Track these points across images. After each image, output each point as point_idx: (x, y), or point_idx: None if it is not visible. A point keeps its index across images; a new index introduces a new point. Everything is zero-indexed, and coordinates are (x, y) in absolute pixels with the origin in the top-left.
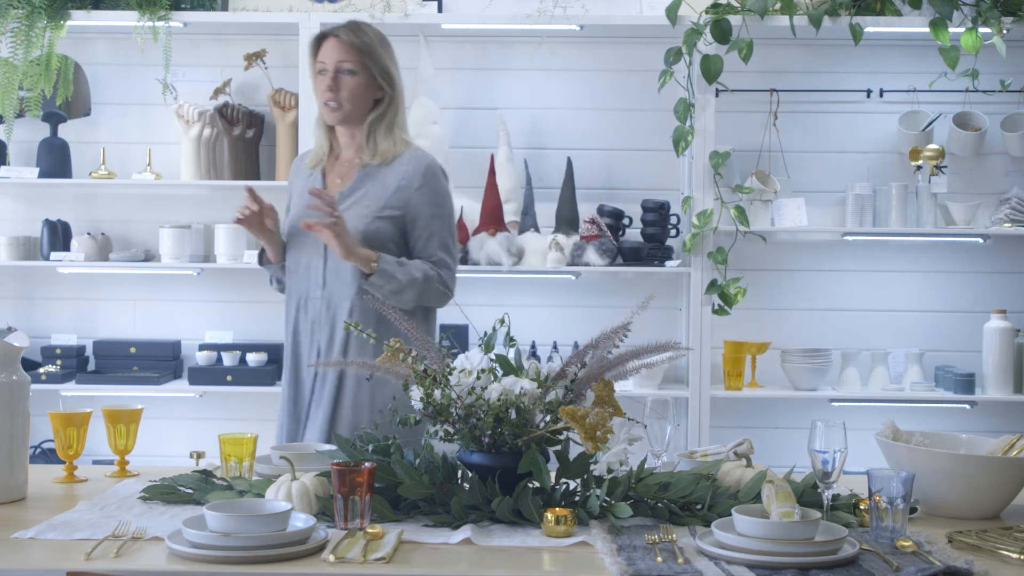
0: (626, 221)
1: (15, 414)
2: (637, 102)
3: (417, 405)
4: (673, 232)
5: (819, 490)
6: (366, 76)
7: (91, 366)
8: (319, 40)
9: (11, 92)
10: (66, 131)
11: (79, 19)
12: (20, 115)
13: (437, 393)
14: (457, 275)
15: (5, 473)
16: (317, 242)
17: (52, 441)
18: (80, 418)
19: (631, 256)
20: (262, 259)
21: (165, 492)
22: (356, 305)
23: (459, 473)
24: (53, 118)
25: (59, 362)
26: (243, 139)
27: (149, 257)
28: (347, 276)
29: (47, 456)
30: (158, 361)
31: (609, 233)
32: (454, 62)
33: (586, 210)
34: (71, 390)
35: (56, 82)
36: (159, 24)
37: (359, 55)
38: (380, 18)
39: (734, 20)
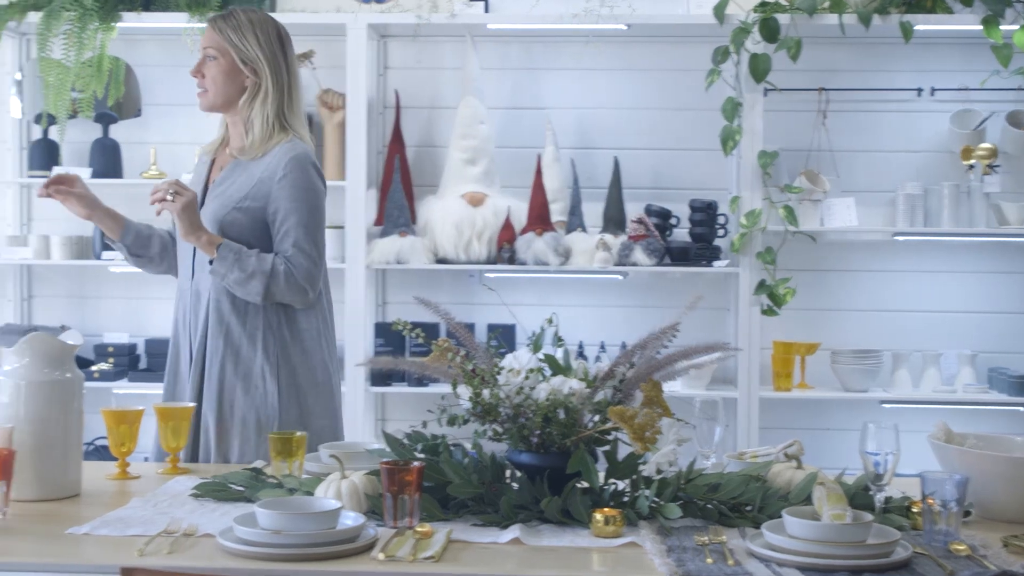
0: (673, 221)
1: (69, 412)
2: (684, 101)
3: (466, 404)
4: (721, 232)
5: (871, 492)
6: (227, 61)
7: (142, 364)
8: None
9: (64, 93)
10: (117, 132)
11: (130, 21)
12: (72, 116)
13: (486, 392)
14: (316, 271)
15: (59, 470)
16: None
17: (105, 438)
18: (132, 416)
19: (679, 256)
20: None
21: (216, 489)
22: (212, 296)
23: (507, 473)
24: (105, 119)
25: (111, 360)
26: None
27: None
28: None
29: (100, 453)
30: None
31: (656, 233)
32: (500, 62)
33: (633, 210)
34: (123, 388)
35: (107, 83)
36: (205, 25)
37: (221, 41)
38: (426, 18)
39: (782, 18)
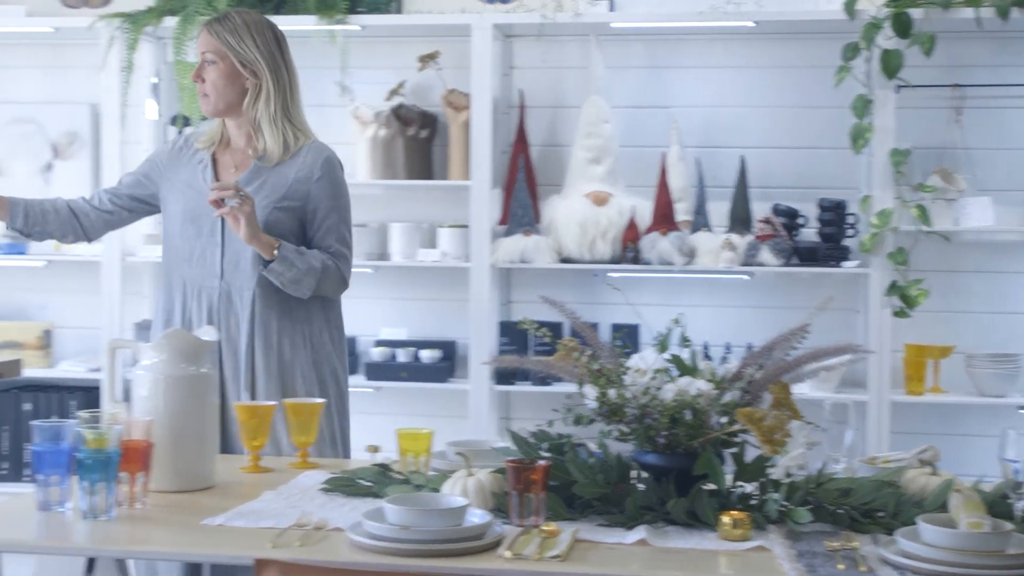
0: (801, 220)
1: (204, 406)
2: (813, 99)
3: (591, 404)
4: (850, 232)
5: (1010, 501)
6: (227, 65)
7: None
8: (200, 33)
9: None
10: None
11: None
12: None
13: (612, 392)
14: (348, 267)
15: (195, 462)
16: (213, 232)
17: None
18: (264, 411)
19: (807, 256)
20: None
21: (345, 484)
22: (258, 295)
23: (633, 473)
24: None
25: None
26: (417, 139)
27: None
28: (247, 266)
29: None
30: None
31: (784, 232)
32: (625, 61)
33: (760, 209)
34: None
35: None
36: (337, 28)
37: (219, 44)
38: (551, 18)
39: (915, 13)
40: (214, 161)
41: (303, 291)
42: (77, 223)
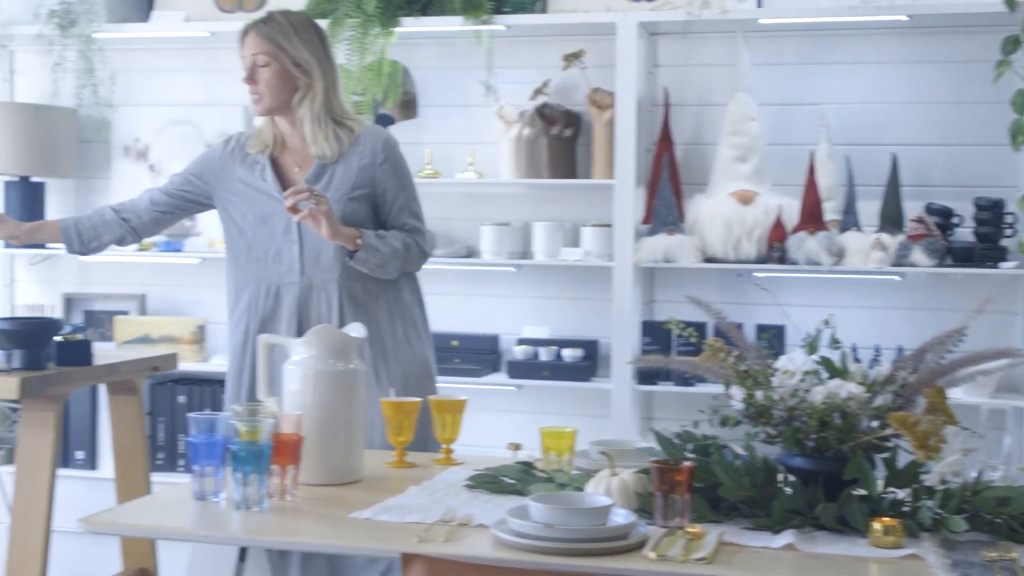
0: (956, 220)
1: (352, 401)
2: (969, 94)
3: (738, 405)
4: (1008, 232)
5: None
6: (279, 67)
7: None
8: (243, 35)
9: (346, 97)
10: (394, 133)
11: (408, 25)
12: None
13: (759, 394)
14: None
15: (342, 457)
16: (288, 230)
17: None
18: (409, 407)
19: (961, 257)
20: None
21: (489, 481)
22: (343, 286)
23: (780, 476)
24: (383, 120)
25: None
26: (561, 138)
27: (470, 253)
28: (327, 260)
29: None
30: (478, 354)
31: (938, 232)
32: (773, 57)
33: (912, 208)
34: None
35: (386, 86)
36: (482, 28)
37: (270, 46)
38: (697, 15)
39: None
40: (274, 163)
41: (391, 273)
42: (128, 227)
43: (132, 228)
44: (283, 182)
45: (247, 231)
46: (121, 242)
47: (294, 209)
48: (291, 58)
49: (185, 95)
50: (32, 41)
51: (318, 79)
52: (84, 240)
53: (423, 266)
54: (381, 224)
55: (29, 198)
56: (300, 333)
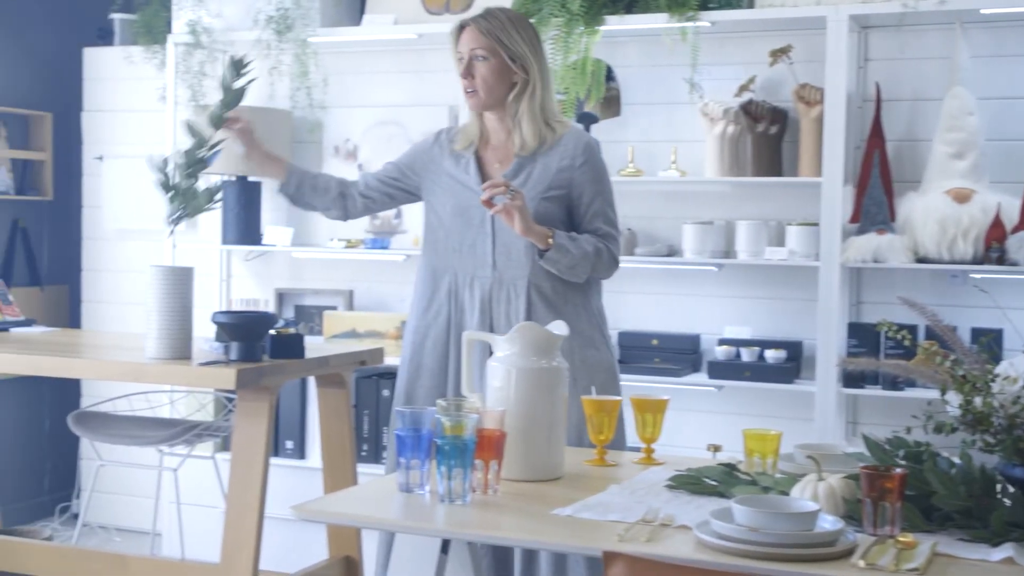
0: None
1: (554, 399)
2: None
3: (954, 412)
4: None
5: None
6: (498, 61)
7: (616, 355)
8: (459, 31)
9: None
10: (597, 131)
11: (612, 24)
12: None
13: (977, 400)
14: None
15: (544, 453)
16: (483, 223)
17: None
18: (610, 405)
19: None
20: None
21: (690, 482)
22: (532, 282)
23: (999, 487)
24: (586, 119)
25: None
26: (766, 136)
27: (672, 252)
28: (519, 255)
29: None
30: (678, 354)
31: None
32: (994, 49)
33: None
34: None
35: (589, 85)
36: (687, 24)
37: (490, 41)
38: (913, 6)
39: None
40: (477, 158)
41: (579, 276)
42: (343, 203)
43: (345, 207)
44: (484, 176)
45: (445, 221)
46: (326, 212)
47: (489, 203)
48: (509, 53)
49: (393, 96)
50: (250, 47)
51: (535, 76)
52: (301, 191)
53: (613, 274)
54: (574, 228)
55: (245, 197)
56: (485, 327)
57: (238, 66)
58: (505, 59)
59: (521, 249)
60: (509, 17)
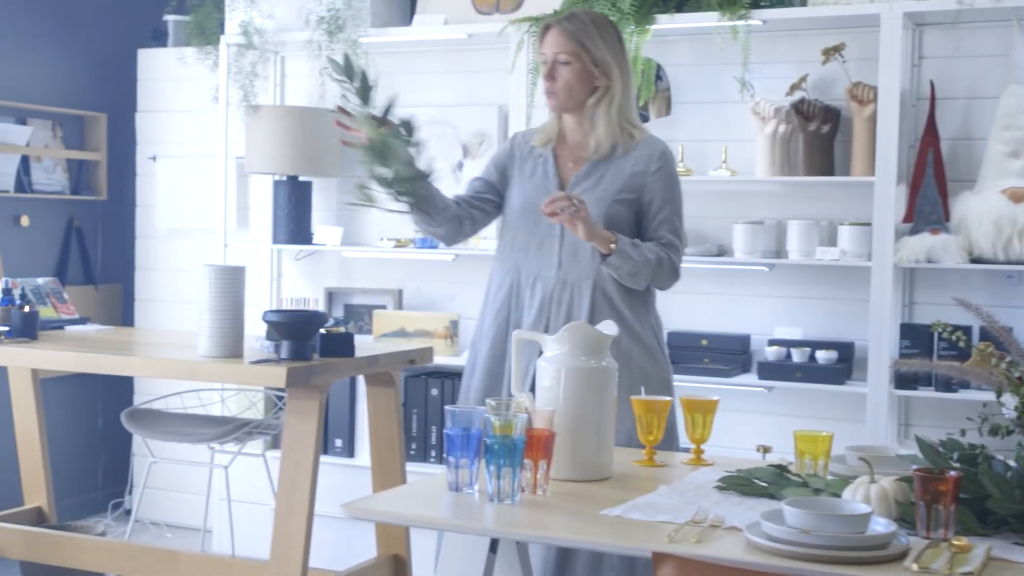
0: None
1: (603, 399)
2: None
3: (1010, 414)
4: None
5: None
6: (581, 66)
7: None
8: (544, 32)
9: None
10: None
11: (662, 23)
12: None
13: None
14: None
15: (593, 453)
16: (552, 223)
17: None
18: (660, 405)
19: None
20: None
21: (741, 483)
22: (598, 285)
23: None
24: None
25: None
26: (818, 135)
27: (722, 252)
28: (584, 257)
29: None
30: (728, 354)
31: None
32: None
33: None
34: None
35: (640, 84)
36: (738, 23)
37: (573, 45)
38: (968, 3)
39: None
40: (554, 156)
41: (640, 283)
42: (459, 224)
43: (461, 227)
44: (558, 175)
45: (516, 220)
46: (445, 231)
47: (552, 213)
48: (592, 58)
49: (442, 96)
50: (302, 47)
51: (616, 81)
52: (430, 205)
53: (672, 286)
54: (641, 234)
55: (296, 196)
56: (540, 327)
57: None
58: (587, 64)
59: (589, 250)
60: (593, 20)
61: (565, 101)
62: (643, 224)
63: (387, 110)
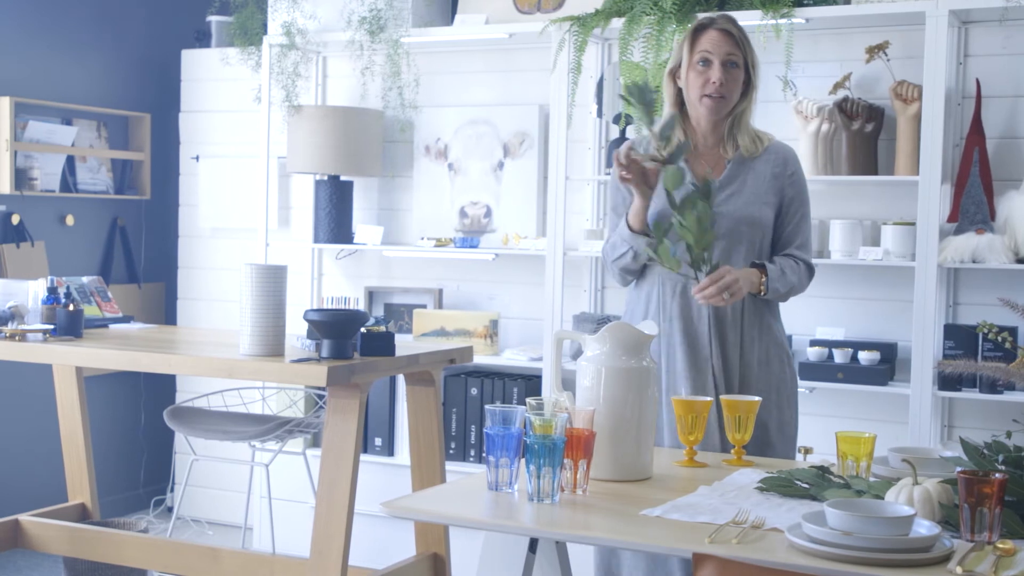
0: None
1: (643, 399)
2: None
3: None
4: None
5: None
6: (740, 69)
7: None
8: (699, 30)
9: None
10: None
11: None
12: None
13: None
14: None
15: (633, 453)
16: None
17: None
18: (700, 406)
19: None
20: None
21: (782, 485)
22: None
23: None
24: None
25: None
26: (861, 133)
27: None
28: (737, 260)
29: None
30: None
31: None
32: None
33: None
34: None
35: None
36: (781, 21)
37: (741, 50)
38: (1016, 0)
39: None
40: (687, 164)
41: (788, 298)
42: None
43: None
44: (696, 179)
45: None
46: (636, 276)
47: (705, 298)
48: (749, 62)
49: (483, 95)
50: (343, 48)
51: (757, 85)
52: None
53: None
54: (776, 232)
55: (337, 196)
56: (701, 332)
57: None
58: (746, 67)
59: (742, 253)
60: (739, 23)
61: (729, 104)
62: (780, 225)
63: (676, 156)
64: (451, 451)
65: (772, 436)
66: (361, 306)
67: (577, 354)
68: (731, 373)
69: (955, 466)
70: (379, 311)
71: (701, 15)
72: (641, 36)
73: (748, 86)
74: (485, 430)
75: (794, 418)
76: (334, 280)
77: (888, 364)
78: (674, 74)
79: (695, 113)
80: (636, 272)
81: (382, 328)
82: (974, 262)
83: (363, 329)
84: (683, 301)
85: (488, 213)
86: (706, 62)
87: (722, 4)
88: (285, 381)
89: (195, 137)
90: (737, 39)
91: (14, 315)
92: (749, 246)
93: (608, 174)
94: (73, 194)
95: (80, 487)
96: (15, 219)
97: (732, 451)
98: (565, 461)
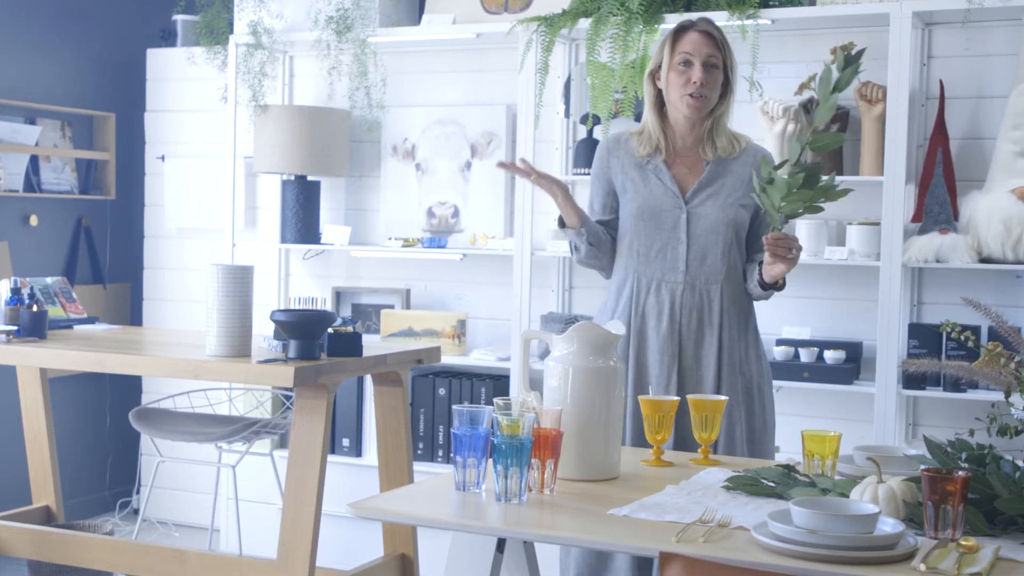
0: None
1: (611, 398)
2: None
3: (1019, 414)
4: None
5: None
6: (720, 70)
7: None
8: (680, 31)
9: (608, 95)
10: None
11: (671, 22)
12: (614, 116)
13: None
14: None
15: (601, 453)
16: (675, 227)
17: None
18: (667, 405)
19: None
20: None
21: (748, 483)
22: (725, 289)
23: None
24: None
25: None
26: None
27: None
28: (713, 262)
29: None
30: None
31: None
32: None
33: None
34: None
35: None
36: (747, 22)
37: (721, 51)
38: (979, 2)
39: None
40: (667, 166)
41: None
42: (613, 254)
43: (612, 255)
44: (677, 182)
45: (634, 226)
46: (607, 268)
47: (776, 255)
48: (728, 64)
49: (451, 95)
50: (310, 47)
51: (735, 90)
52: (593, 236)
53: None
54: (752, 233)
55: (304, 196)
56: (674, 332)
57: (850, 60)
58: (726, 69)
59: (718, 255)
60: (717, 25)
61: (709, 105)
62: (756, 226)
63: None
64: (419, 451)
65: (757, 435)
66: (328, 306)
67: (545, 354)
68: (706, 372)
69: (919, 464)
70: (346, 311)
71: (675, 16)
72: (608, 36)
73: (727, 88)
74: (453, 430)
75: (773, 415)
76: (301, 280)
77: (853, 363)
78: (654, 76)
79: (675, 114)
80: (599, 263)
81: (349, 328)
82: (938, 262)
83: (330, 329)
84: (657, 298)
85: (456, 213)
86: (687, 63)
87: (689, 5)
88: (252, 382)
89: (161, 137)
90: (718, 41)
91: None
92: (726, 247)
93: (577, 173)
94: (37, 194)
95: (44, 489)
96: None
97: (699, 450)
98: (532, 461)
